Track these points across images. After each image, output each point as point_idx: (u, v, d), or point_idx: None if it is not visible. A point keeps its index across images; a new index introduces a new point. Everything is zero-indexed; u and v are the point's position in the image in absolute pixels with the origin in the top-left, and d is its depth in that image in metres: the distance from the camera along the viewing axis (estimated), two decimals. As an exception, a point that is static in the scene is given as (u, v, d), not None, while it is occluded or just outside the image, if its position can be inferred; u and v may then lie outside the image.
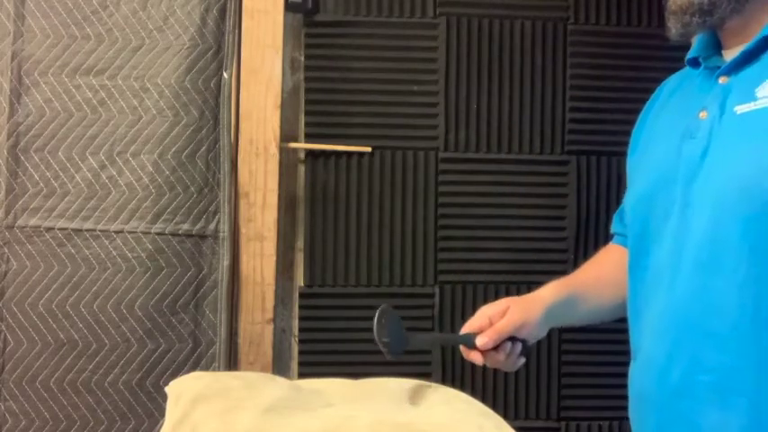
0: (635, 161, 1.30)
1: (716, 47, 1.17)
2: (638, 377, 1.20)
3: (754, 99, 1.04)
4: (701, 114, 1.11)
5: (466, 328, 1.26)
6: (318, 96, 1.99)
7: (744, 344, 1.02)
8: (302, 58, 1.99)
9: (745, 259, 1.02)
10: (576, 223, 2.02)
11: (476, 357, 1.24)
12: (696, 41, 1.20)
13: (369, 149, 1.98)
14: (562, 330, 2.01)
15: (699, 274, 1.07)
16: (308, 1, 1.95)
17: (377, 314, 1.19)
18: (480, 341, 1.22)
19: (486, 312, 1.26)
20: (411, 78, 2.00)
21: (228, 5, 1.84)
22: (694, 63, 1.21)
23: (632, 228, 1.23)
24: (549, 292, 1.30)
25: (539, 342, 1.98)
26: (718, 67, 1.13)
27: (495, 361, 1.25)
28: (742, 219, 1.02)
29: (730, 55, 1.13)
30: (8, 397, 1.75)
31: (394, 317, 1.20)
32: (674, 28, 1.13)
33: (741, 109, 1.06)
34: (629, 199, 1.27)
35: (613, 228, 1.41)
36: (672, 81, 1.30)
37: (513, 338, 1.25)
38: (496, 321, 1.24)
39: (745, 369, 1.02)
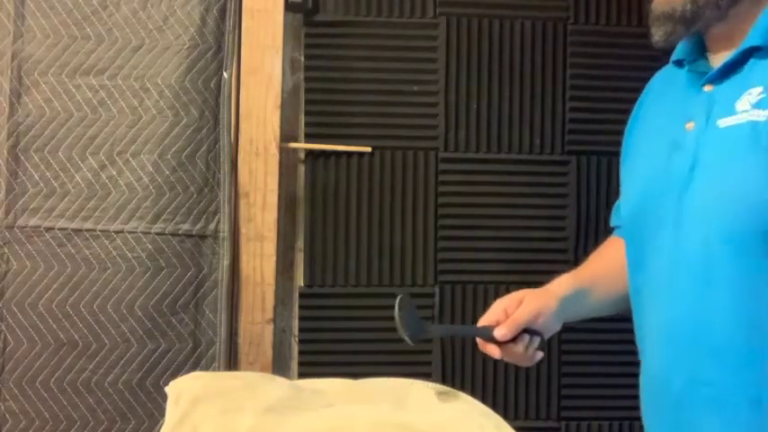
0: (627, 164, 1.32)
1: (701, 50, 1.17)
2: (644, 383, 1.21)
3: (734, 113, 1.06)
4: (687, 125, 1.12)
5: (482, 322, 1.25)
6: (318, 96, 1.98)
7: (740, 358, 1.04)
8: (302, 58, 1.99)
9: (737, 275, 1.04)
10: (576, 223, 2.02)
11: (492, 350, 1.23)
12: (681, 43, 1.20)
13: (369, 149, 1.98)
14: (562, 330, 2.00)
15: (694, 290, 1.08)
16: (308, 1, 1.95)
17: (397, 302, 1.20)
18: (498, 332, 1.21)
19: (501, 305, 1.25)
20: (411, 78, 2.00)
21: (228, 5, 1.84)
22: (679, 64, 1.21)
23: (628, 237, 1.26)
24: (561, 286, 1.30)
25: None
26: (704, 73, 1.14)
27: (512, 354, 1.24)
28: (729, 236, 1.04)
29: (715, 60, 1.13)
30: (8, 397, 1.75)
31: (411, 306, 1.22)
32: (656, 35, 1.13)
33: (723, 123, 1.07)
34: (624, 207, 1.29)
35: (613, 221, 1.42)
36: (658, 80, 1.31)
37: (529, 331, 1.24)
38: (512, 313, 1.23)
39: (743, 383, 1.04)
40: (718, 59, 1.12)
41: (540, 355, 1.27)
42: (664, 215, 1.13)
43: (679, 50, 1.20)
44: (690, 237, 1.09)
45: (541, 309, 1.25)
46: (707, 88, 1.12)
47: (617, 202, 1.41)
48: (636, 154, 1.27)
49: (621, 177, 1.33)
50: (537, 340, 1.26)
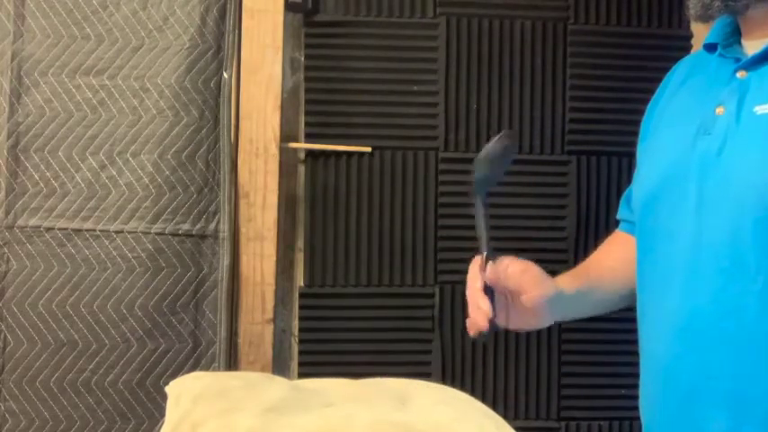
0: (645, 147, 1.27)
1: (736, 34, 1.13)
2: (648, 377, 1.18)
3: None
4: (717, 110, 1.08)
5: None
6: (318, 96, 1.98)
7: (760, 352, 1.01)
8: (302, 58, 1.99)
9: (766, 266, 1.00)
10: (576, 223, 2.02)
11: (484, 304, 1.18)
12: (715, 25, 1.16)
13: (369, 149, 1.98)
14: (562, 330, 2.01)
15: (718, 279, 1.04)
16: (308, 1, 1.95)
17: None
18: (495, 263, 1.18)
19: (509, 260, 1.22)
20: (411, 78, 2.00)
21: (228, 5, 1.84)
22: (711, 48, 1.16)
23: (642, 222, 1.21)
24: (562, 282, 1.27)
25: (539, 342, 2.00)
26: (738, 60, 1.10)
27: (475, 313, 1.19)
28: (762, 225, 1.00)
29: (751, 47, 1.10)
30: (8, 397, 1.75)
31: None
32: (693, 9, 1.09)
33: (761, 109, 1.03)
34: (639, 189, 1.23)
35: (620, 213, 1.38)
36: (684, 65, 1.27)
37: (494, 304, 1.18)
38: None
39: (760, 377, 1.01)
40: (755, 46, 1.08)
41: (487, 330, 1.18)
42: (683, 201, 1.09)
43: (713, 34, 1.16)
44: (715, 224, 1.05)
45: (539, 277, 1.22)
46: (740, 74, 1.08)
47: (626, 192, 1.36)
48: (656, 138, 1.23)
49: (638, 160, 1.28)
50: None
